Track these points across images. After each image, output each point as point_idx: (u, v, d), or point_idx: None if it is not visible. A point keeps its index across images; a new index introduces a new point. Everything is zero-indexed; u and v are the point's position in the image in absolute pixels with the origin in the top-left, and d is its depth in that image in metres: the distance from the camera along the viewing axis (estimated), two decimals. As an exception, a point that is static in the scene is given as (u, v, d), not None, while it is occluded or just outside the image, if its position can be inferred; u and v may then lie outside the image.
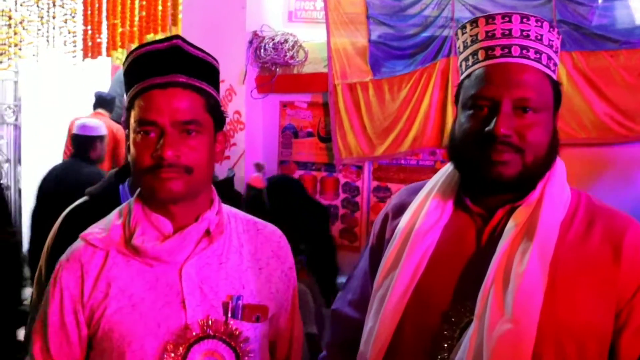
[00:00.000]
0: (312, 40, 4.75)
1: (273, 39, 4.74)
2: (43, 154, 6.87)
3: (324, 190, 4.68)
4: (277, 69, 4.77)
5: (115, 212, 1.59)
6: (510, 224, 1.41)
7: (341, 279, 3.85)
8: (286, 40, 4.74)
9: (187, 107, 1.45)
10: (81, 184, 5.41)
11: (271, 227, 1.69)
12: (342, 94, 4.44)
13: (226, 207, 1.63)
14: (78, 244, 1.56)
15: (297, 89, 4.75)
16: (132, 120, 1.48)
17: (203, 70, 1.51)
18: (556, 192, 1.44)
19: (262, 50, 4.75)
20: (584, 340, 1.34)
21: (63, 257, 1.56)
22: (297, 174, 4.77)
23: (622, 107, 3.39)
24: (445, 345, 1.40)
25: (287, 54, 4.71)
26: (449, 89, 3.99)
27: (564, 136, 3.44)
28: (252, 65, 4.83)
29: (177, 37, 1.50)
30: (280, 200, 2.94)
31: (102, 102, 6.63)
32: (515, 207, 1.44)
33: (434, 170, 1.64)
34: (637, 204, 3.28)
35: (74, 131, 5.16)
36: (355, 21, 4.44)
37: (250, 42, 4.83)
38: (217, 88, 1.56)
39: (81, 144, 5.00)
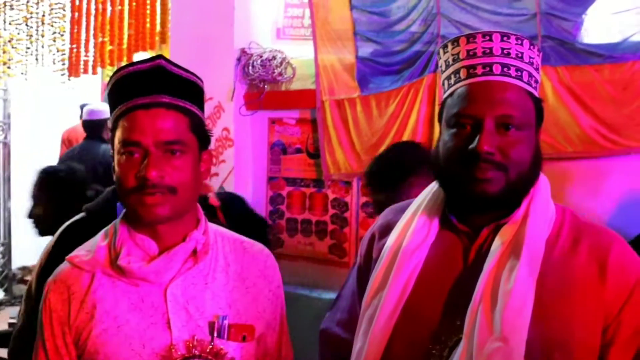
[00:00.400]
0: (300, 56, 4.76)
1: (261, 56, 4.75)
2: (33, 172, 6.85)
3: (313, 206, 4.67)
4: (266, 86, 4.78)
5: (101, 233, 1.60)
6: (497, 241, 1.43)
7: (329, 295, 3.83)
8: (274, 57, 4.75)
9: (170, 127, 1.46)
10: (99, 160, 5.54)
11: (258, 246, 1.69)
12: (330, 110, 4.44)
13: (213, 226, 1.64)
14: (64, 266, 1.57)
15: (286, 106, 4.75)
16: (116, 141, 1.49)
17: (187, 89, 1.51)
18: (541, 208, 1.46)
19: (250, 67, 4.76)
20: (573, 356, 1.35)
21: (50, 279, 1.58)
22: (286, 190, 4.77)
23: (608, 120, 3.41)
24: None
25: (276, 70, 4.72)
26: (436, 104, 3.98)
27: (550, 150, 3.48)
28: (241, 82, 4.84)
29: (160, 56, 1.51)
30: (226, 216, 2.99)
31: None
32: (500, 225, 1.45)
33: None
34: (622, 216, 3.31)
35: (84, 117, 5.49)
36: (343, 37, 4.45)
37: (239, 59, 4.84)
38: (201, 107, 1.56)
39: (93, 127, 5.83)
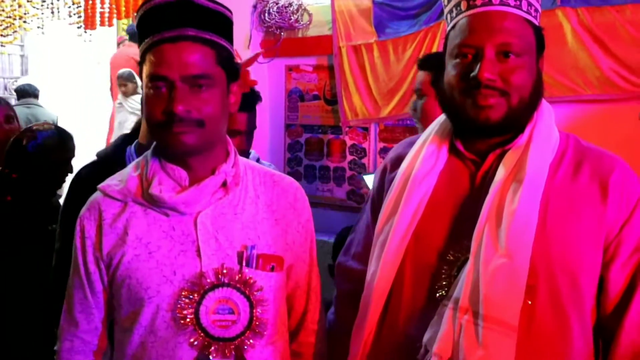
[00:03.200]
0: (316, 3, 4.73)
1: (277, 3, 4.73)
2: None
3: (331, 153, 4.70)
4: (282, 33, 4.77)
5: (132, 164, 1.63)
6: (501, 167, 1.49)
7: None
8: (290, 4, 4.73)
9: (197, 61, 1.46)
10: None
11: (288, 180, 1.71)
12: (347, 56, 4.44)
13: (243, 160, 1.66)
14: (96, 195, 1.60)
15: (302, 53, 4.74)
16: (144, 75, 1.50)
17: (214, 21, 1.51)
18: (544, 134, 1.51)
19: (266, 15, 4.74)
20: (575, 272, 1.42)
21: (83, 209, 1.61)
22: (304, 137, 4.80)
23: (628, 62, 3.37)
24: (444, 283, 1.47)
25: (292, 17, 4.70)
26: (454, 48, 3.96)
27: (570, 93, 3.45)
28: (257, 30, 4.83)
29: None
30: None
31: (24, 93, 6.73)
32: (505, 151, 1.51)
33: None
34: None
35: None
36: (359, -18, 4.42)
37: (255, 7, 4.82)
38: (230, 39, 1.56)
39: None
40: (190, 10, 1.48)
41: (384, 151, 4.41)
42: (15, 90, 7.07)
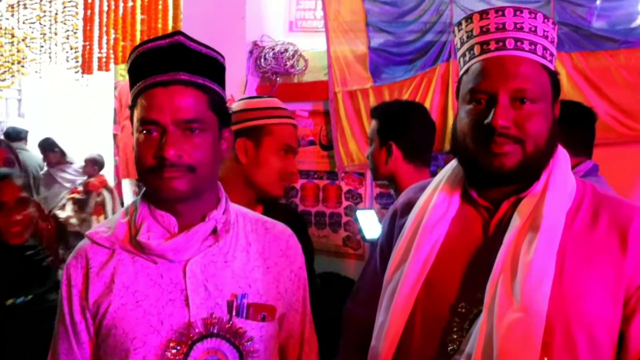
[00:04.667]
0: (312, 49, 4.76)
1: (273, 49, 4.76)
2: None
3: (327, 198, 4.67)
4: (278, 78, 4.78)
5: (122, 211, 1.60)
6: (516, 215, 1.43)
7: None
8: (286, 50, 4.75)
9: (189, 106, 1.44)
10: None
11: (280, 226, 1.68)
12: (342, 101, 4.44)
13: (234, 206, 1.63)
14: (84, 242, 1.57)
15: (298, 98, 4.74)
16: (135, 119, 1.48)
17: (206, 66, 1.50)
18: (560, 181, 1.45)
19: (262, 60, 4.76)
20: (593, 328, 1.34)
21: (71, 256, 1.58)
22: (300, 182, 4.77)
23: (624, 106, 3.39)
24: (455, 336, 1.40)
25: (288, 63, 4.72)
26: (449, 93, 3.98)
27: (565, 137, 3.39)
28: (253, 75, 4.85)
29: (180, 33, 1.50)
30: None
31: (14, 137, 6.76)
32: (520, 199, 1.45)
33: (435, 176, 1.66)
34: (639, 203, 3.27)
35: None
36: (355, 29, 4.45)
37: (251, 52, 4.85)
38: (222, 84, 1.54)
39: None
40: (183, 54, 1.46)
41: (380, 197, 4.39)
42: (4, 133, 7.09)
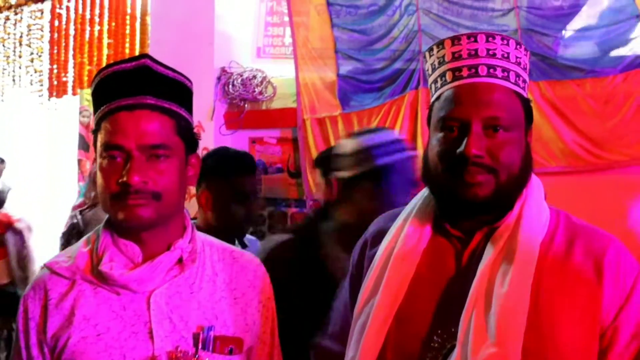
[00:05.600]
0: (280, 75, 4.75)
1: (241, 75, 4.74)
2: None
3: (295, 226, 4.63)
4: (246, 105, 4.75)
5: (83, 240, 1.54)
6: (490, 246, 1.39)
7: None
8: (255, 76, 4.73)
9: (155, 131, 1.40)
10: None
11: (248, 256, 1.63)
12: (311, 128, 4.43)
13: (200, 235, 1.58)
14: (43, 273, 1.51)
15: (266, 125, 4.72)
16: (98, 144, 1.43)
17: (173, 90, 1.46)
18: (534, 211, 1.42)
19: (230, 86, 4.74)
20: None
21: (28, 287, 1.51)
22: (268, 210, 4.72)
23: (590, 135, 3.43)
24: None
25: (256, 89, 4.70)
26: (419, 121, 3.99)
27: (534, 165, 3.44)
28: (221, 102, 4.81)
29: (146, 56, 1.46)
30: None
31: None
32: (494, 229, 1.41)
33: (405, 204, 1.61)
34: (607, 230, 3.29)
35: None
36: (324, 56, 4.45)
37: (219, 78, 4.82)
38: (189, 109, 1.50)
39: None
40: (149, 78, 1.42)
41: (349, 224, 4.35)
42: None
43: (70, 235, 4.68)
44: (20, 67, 6.45)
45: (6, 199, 6.14)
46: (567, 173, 3.49)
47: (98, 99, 1.46)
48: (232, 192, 2.45)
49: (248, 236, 2.72)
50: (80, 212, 4.75)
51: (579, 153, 3.43)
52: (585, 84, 3.44)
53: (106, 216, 1.50)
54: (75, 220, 4.71)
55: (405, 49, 4.11)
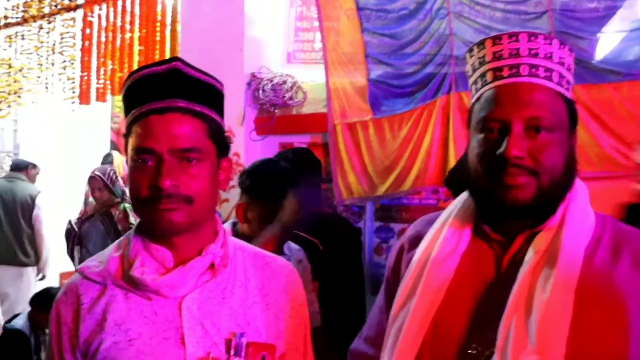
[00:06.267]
0: (311, 80, 4.74)
1: (271, 80, 4.73)
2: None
3: (326, 232, 4.60)
4: (276, 110, 4.75)
5: (114, 244, 1.52)
6: (531, 250, 1.34)
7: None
8: (285, 82, 4.73)
9: (186, 134, 1.38)
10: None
11: (281, 261, 1.61)
12: (341, 133, 4.40)
13: (232, 240, 1.56)
14: (75, 277, 1.50)
15: (297, 130, 4.71)
16: (129, 148, 1.42)
17: (205, 93, 1.44)
18: (578, 215, 1.37)
19: (260, 92, 4.73)
20: None
21: (60, 291, 1.50)
22: (298, 215, 4.70)
23: (628, 139, 3.35)
24: None
25: (286, 95, 4.69)
26: (450, 126, 3.94)
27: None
28: (251, 107, 4.82)
29: (177, 59, 1.44)
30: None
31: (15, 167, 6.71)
32: (535, 233, 1.37)
33: (436, 209, 1.57)
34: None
35: None
36: (354, 61, 4.43)
37: (249, 84, 4.82)
38: (220, 112, 1.48)
39: None
40: (180, 81, 1.41)
41: (379, 230, 4.33)
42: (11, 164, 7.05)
43: (67, 239, 4.93)
44: (53, 75, 6.52)
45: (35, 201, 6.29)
46: (602, 178, 3.41)
47: (129, 103, 1.45)
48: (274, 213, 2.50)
49: (291, 244, 2.72)
50: (78, 219, 4.85)
51: (616, 158, 3.36)
52: (623, 88, 3.37)
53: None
54: (69, 227, 4.81)
55: (437, 53, 4.07)
